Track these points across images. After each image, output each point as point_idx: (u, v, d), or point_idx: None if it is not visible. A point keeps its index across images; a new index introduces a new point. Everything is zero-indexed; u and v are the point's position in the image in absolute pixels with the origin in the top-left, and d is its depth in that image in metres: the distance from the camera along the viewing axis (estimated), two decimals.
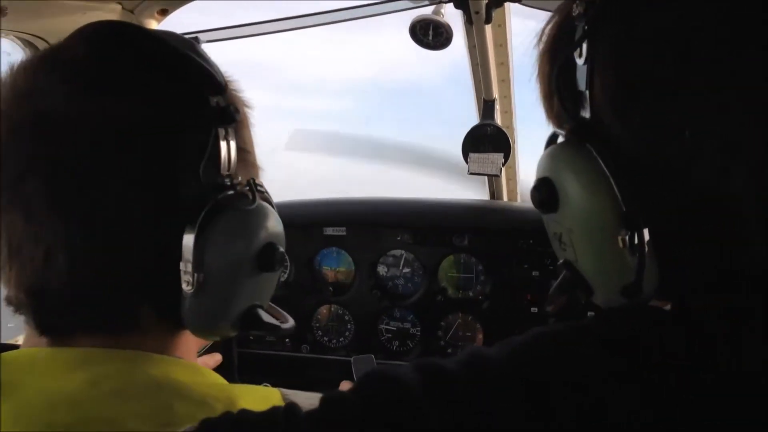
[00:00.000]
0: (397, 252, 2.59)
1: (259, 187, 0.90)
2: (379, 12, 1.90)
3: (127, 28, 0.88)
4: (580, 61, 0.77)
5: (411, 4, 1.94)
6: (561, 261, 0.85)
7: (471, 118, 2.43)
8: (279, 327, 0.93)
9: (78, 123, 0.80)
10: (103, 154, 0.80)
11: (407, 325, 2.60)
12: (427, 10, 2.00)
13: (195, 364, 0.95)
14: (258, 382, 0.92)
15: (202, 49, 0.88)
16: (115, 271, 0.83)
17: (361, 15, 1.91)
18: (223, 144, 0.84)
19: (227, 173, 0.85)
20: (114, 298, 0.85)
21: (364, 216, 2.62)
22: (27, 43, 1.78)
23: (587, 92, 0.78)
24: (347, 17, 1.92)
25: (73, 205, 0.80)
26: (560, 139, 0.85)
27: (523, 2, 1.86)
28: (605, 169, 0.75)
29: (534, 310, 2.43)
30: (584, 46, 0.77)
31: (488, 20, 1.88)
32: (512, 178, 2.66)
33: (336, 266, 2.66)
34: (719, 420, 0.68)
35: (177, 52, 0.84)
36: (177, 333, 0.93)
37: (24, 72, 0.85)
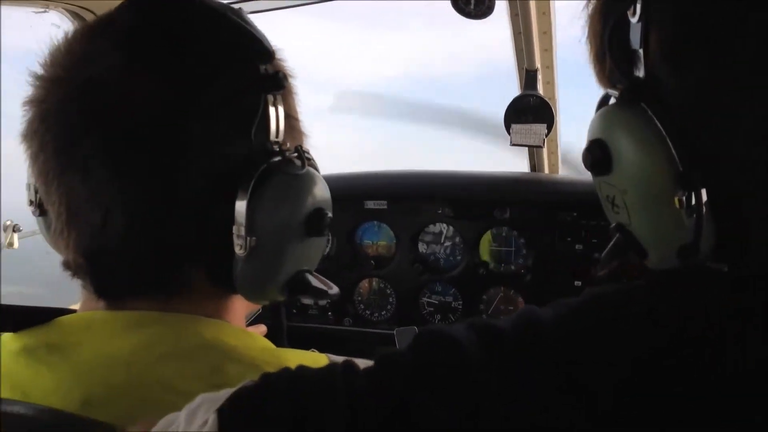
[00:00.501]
0: (438, 225, 2.59)
1: (306, 154, 0.90)
2: None
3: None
4: (633, 19, 0.76)
5: None
6: (613, 224, 0.84)
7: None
8: (326, 292, 0.95)
9: (132, 86, 0.82)
10: (157, 117, 0.82)
11: (449, 299, 2.60)
12: None
13: (245, 329, 0.97)
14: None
15: (249, 19, 0.89)
16: (169, 233, 0.85)
17: None
18: (272, 110, 0.86)
19: (276, 139, 0.87)
20: (167, 260, 0.87)
21: (405, 189, 2.62)
22: (75, 15, 1.81)
23: (641, 51, 0.76)
24: None
25: (129, 167, 0.82)
26: (612, 101, 0.83)
27: None
28: (661, 128, 0.73)
29: (577, 283, 2.40)
30: (638, 3, 0.75)
31: None
32: (554, 151, 2.63)
33: (377, 240, 2.67)
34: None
35: (228, 21, 0.85)
36: (227, 297, 0.95)
37: (79, 39, 0.87)
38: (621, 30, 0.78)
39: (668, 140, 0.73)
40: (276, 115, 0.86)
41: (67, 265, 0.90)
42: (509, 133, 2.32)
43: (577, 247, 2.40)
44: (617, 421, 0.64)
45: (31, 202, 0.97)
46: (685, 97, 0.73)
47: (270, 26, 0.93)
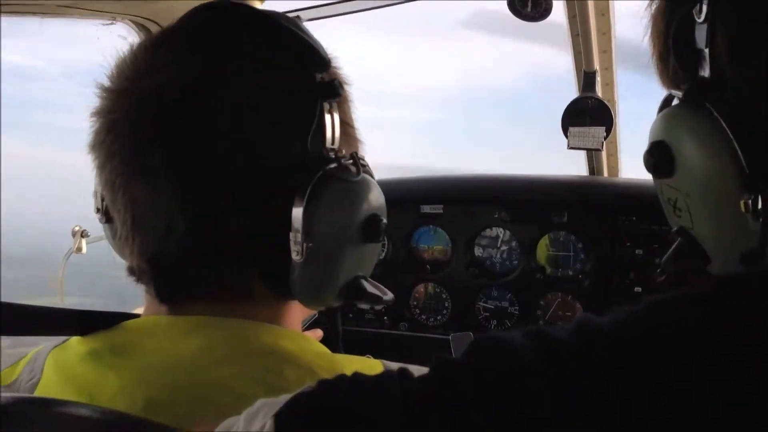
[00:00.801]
0: (494, 229, 2.57)
1: (361, 161, 0.91)
2: None
3: (238, 7, 0.92)
4: (699, 18, 0.74)
5: None
6: (675, 228, 0.82)
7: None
8: (381, 298, 0.94)
9: (195, 95, 0.84)
10: (220, 125, 0.84)
11: (505, 304, 2.58)
12: None
13: (302, 333, 0.98)
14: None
15: (306, 28, 0.92)
16: (228, 239, 0.86)
17: None
18: (327, 117, 0.87)
19: (332, 146, 0.88)
20: (226, 266, 0.89)
21: (461, 193, 2.61)
22: (140, 27, 1.86)
23: (707, 50, 0.74)
24: None
25: (191, 175, 0.84)
26: (675, 101, 0.81)
27: None
28: (727, 129, 0.72)
29: (637, 289, 2.35)
30: (704, 2, 0.73)
31: None
32: (613, 154, 2.58)
33: (432, 244, 2.66)
34: None
35: (285, 30, 0.88)
36: (284, 303, 0.96)
37: (144, 50, 0.89)
38: (686, 29, 0.77)
39: (734, 142, 0.71)
40: (332, 122, 0.88)
41: (131, 271, 0.93)
42: (566, 136, 2.29)
43: (637, 252, 2.35)
44: (649, 428, 0.61)
45: (98, 210, 0.99)
46: (752, 99, 0.71)
47: (326, 36, 0.95)
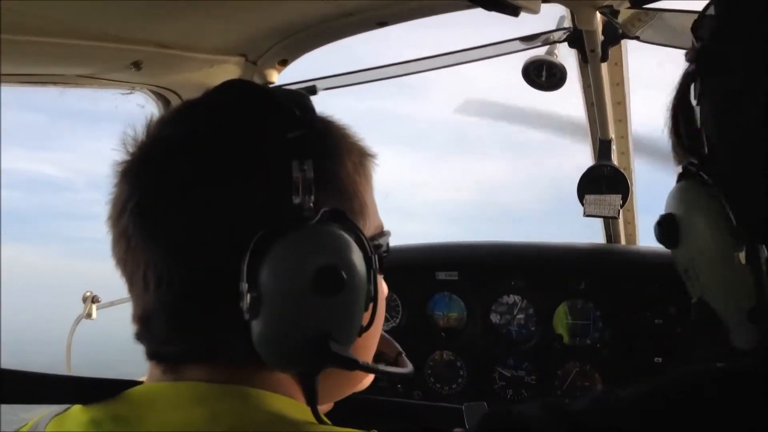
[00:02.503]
0: (511, 297, 2.54)
1: (338, 215, 0.87)
2: (492, 54, 1.91)
3: (246, 88, 0.94)
4: (694, 102, 0.81)
5: (523, 46, 1.93)
6: (694, 300, 0.85)
7: None
8: (356, 361, 0.88)
9: (166, 161, 0.88)
10: (195, 191, 0.86)
11: (522, 373, 2.52)
12: (540, 51, 1.99)
13: (300, 404, 0.93)
14: (369, 428, 0.89)
15: (304, 96, 0.93)
16: (199, 299, 0.86)
17: (475, 57, 1.92)
18: (297, 172, 0.84)
19: (297, 202, 0.84)
20: (206, 327, 0.87)
21: (477, 260, 2.59)
22: (159, 96, 1.90)
23: (702, 130, 0.81)
24: (462, 60, 1.93)
25: (160, 232, 0.86)
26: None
27: (640, 39, 1.81)
28: (721, 198, 0.78)
29: (658, 359, 2.30)
30: (696, 86, 0.81)
31: (604, 58, 1.84)
32: (630, 221, 2.56)
33: (448, 311, 2.63)
34: None
35: (274, 100, 0.91)
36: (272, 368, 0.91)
37: (164, 121, 0.94)
38: (686, 113, 0.84)
39: (727, 207, 0.76)
40: (303, 177, 0.84)
41: (136, 336, 0.92)
42: (582, 204, 2.27)
43: (657, 321, 2.31)
44: None
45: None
46: (739, 169, 0.79)
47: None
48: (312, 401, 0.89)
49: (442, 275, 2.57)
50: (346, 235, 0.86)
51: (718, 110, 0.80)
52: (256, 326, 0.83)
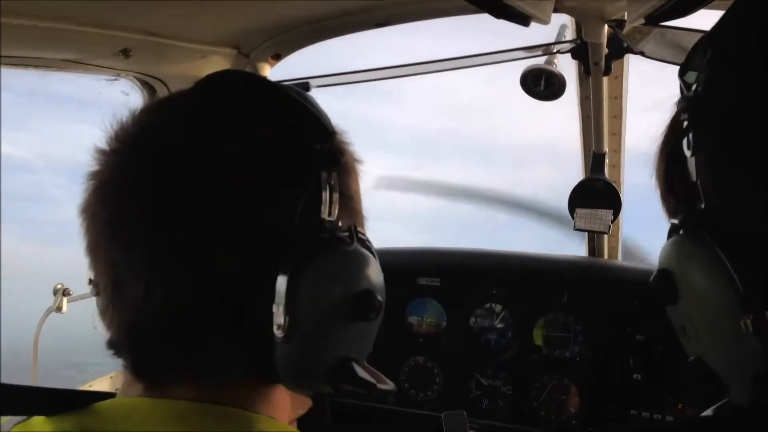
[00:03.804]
0: (492, 306, 2.50)
1: (360, 235, 0.86)
2: (491, 61, 1.86)
3: (243, 76, 0.92)
4: (688, 153, 0.78)
5: (523, 54, 1.89)
6: (691, 358, 0.82)
7: None
8: (374, 385, 0.86)
9: (182, 163, 0.81)
10: (201, 191, 0.80)
11: (498, 383, 2.49)
12: (540, 60, 1.95)
13: (288, 426, 0.91)
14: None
15: (312, 98, 0.89)
16: (208, 311, 0.80)
17: (473, 64, 1.87)
18: (324, 187, 0.82)
19: (326, 218, 0.82)
20: (205, 339, 0.82)
21: (459, 267, 2.55)
22: (144, 84, 1.82)
23: (698, 183, 0.77)
24: (460, 65, 1.88)
25: (172, 241, 0.79)
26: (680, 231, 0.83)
27: (645, 54, 1.78)
28: (721, 254, 0.74)
29: (637, 376, 2.28)
30: (690, 138, 0.77)
31: (607, 72, 1.81)
32: (614, 235, 2.55)
33: (426, 316, 2.58)
34: None
35: (287, 99, 0.86)
36: (271, 387, 0.88)
37: (142, 114, 0.87)
38: (680, 164, 0.80)
39: (729, 266, 0.72)
40: (329, 193, 0.82)
41: (110, 344, 0.86)
42: (573, 218, 2.24)
43: (638, 337, 2.29)
44: None
45: (90, 281, 0.92)
46: (739, 223, 0.74)
47: None
48: (323, 421, 0.87)
49: (423, 280, 2.53)
50: (375, 258, 0.86)
51: (716, 162, 0.76)
52: (281, 347, 0.79)
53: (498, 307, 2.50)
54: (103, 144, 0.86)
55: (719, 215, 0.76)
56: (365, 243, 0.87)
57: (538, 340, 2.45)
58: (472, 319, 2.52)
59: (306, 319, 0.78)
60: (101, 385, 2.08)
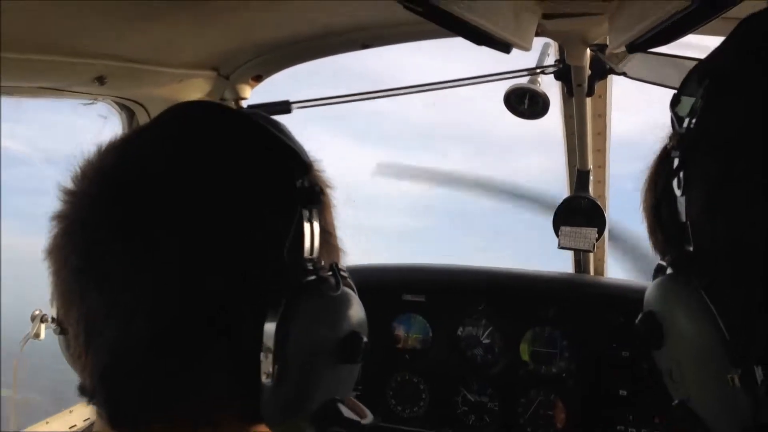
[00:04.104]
0: (478, 322, 2.49)
1: (341, 272, 0.84)
2: (475, 83, 1.84)
3: (219, 111, 0.89)
4: (678, 193, 0.74)
5: (507, 77, 1.87)
6: (675, 402, 0.80)
7: None
8: (359, 423, 0.86)
9: (158, 200, 0.78)
10: (182, 232, 0.77)
11: (485, 399, 2.48)
12: (523, 80, 1.93)
13: None
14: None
15: (288, 130, 0.87)
16: (190, 357, 0.78)
17: (457, 85, 1.85)
18: (306, 226, 0.80)
19: (310, 257, 0.81)
20: (188, 386, 0.80)
21: (445, 283, 2.54)
22: (123, 107, 1.78)
23: (688, 224, 0.73)
24: (445, 87, 1.86)
25: (151, 285, 0.76)
26: (668, 272, 0.81)
27: (627, 75, 1.77)
28: (709, 303, 0.71)
29: (623, 392, 2.28)
30: (680, 177, 0.74)
31: (590, 93, 1.80)
32: (600, 250, 2.53)
33: (412, 332, 2.57)
34: None
35: (264, 133, 0.84)
36: (250, 426, 0.86)
37: (111, 150, 0.84)
38: (669, 203, 0.77)
39: (717, 316, 0.70)
40: (311, 231, 0.81)
41: (82, 390, 0.83)
42: (557, 236, 2.23)
43: (624, 353, 2.29)
44: None
45: (53, 319, 0.89)
46: (730, 270, 0.71)
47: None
48: None
49: (408, 296, 2.51)
50: (357, 297, 0.85)
51: (709, 204, 0.72)
52: (269, 391, 0.78)
53: (484, 323, 2.48)
54: (68, 183, 0.83)
55: (711, 259, 0.72)
56: (347, 281, 0.86)
57: (525, 355, 2.44)
58: (458, 335, 2.51)
59: (294, 365, 0.77)
60: (60, 420, 2.06)
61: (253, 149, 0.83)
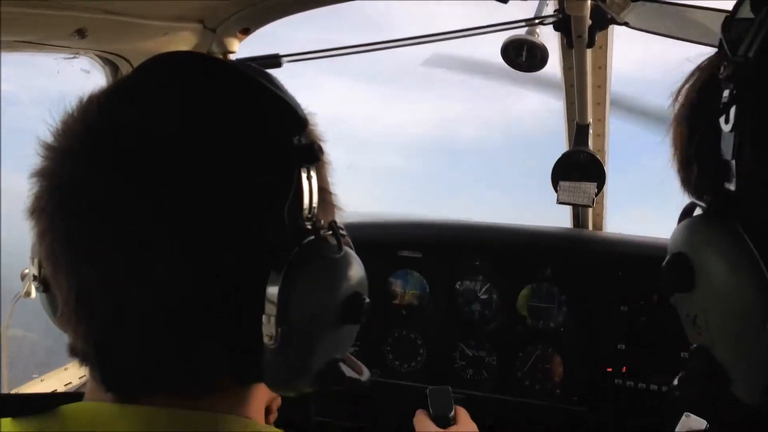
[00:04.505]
0: (475, 277, 2.47)
1: (341, 231, 0.82)
2: (472, 35, 1.78)
3: (207, 60, 0.84)
4: (726, 128, 0.68)
5: (504, 28, 1.81)
6: (693, 346, 0.77)
7: None
8: (359, 381, 0.85)
9: (154, 163, 0.73)
10: (181, 196, 0.73)
11: (483, 354, 2.48)
12: (521, 31, 1.87)
13: (269, 427, 0.88)
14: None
15: (282, 84, 0.83)
16: (191, 324, 0.75)
17: (453, 37, 1.79)
18: (305, 184, 0.77)
19: (310, 216, 0.78)
20: (187, 353, 0.77)
21: (441, 239, 2.51)
22: (106, 61, 1.72)
23: (734, 162, 0.69)
24: (440, 40, 1.80)
25: (149, 254, 0.73)
26: (698, 211, 0.77)
27: (629, 25, 1.70)
28: (753, 248, 0.66)
29: (621, 347, 2.27)
30: (732, 111, 0.68)
31: (591, 44, 1.73)
32: (599, 204, 2.50)
33: (408, 288, 2.56)
34: None
35: (259, 87, 0.79)
36: (248, 388, 0.85)
37: (97, 105, 0.78)
38: (711, 138, 0.72)
39: (761, 262, 0.66)
40: (309, 190, 0.78)
41: (73, 352, 0.81)
42: (556, 191, 2.19)
43: (622, 308, 2.27)
44: None
45: (34, 278, 0.86)
46: None
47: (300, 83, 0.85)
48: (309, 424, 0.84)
49: (405, 252, 2.49)
50: (356, 255, 0.82)
51: (764, 141, 0.67)
52: (272, 355, 0.76)
53: (481, 279, 2.47)
54: (49, 137, 0.77)
55: (756, 202, 0.69)
56: (347, 241, 0.83)
57: (523, 310, 2.43)
58: (456, 291, 2.50)
59: (297, 327, 0.75)
60: (54, 378, 2.06)
61: (246, 103, 0.79)
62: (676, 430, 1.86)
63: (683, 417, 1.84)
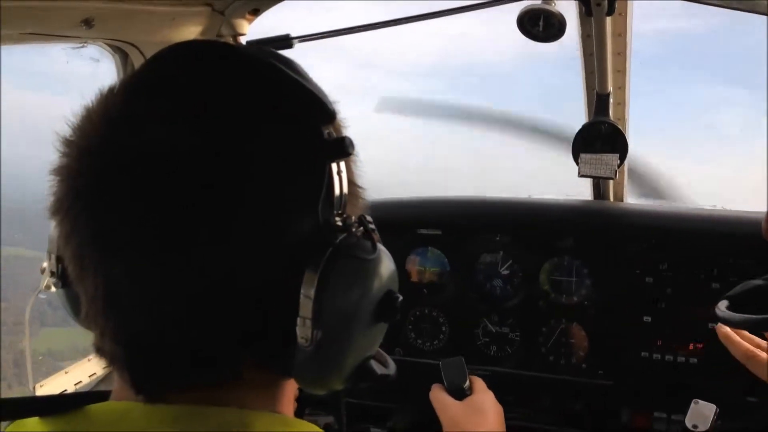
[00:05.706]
0: (496, 253, 2.44)
1: (371, 226, 0.80)
2: (487, 6, 1.73)
3: (229, 49, 0.82)
4: None
5: None
6: None
7: None
8: (388, 376, 0.85)
9: (182, 162, 0.71)
10: (211, 197, 0.71)
11: (506, 330, 2.46)
12: (536, 0, 1.81)
13: (299, 420, 0.86)
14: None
15: (307, 73, 0.81)
16: (223, 325, 0.74)
17: (466, 10, 1.74)
18: (336, 180, 0.76)
19: (341, 213, 0.77)
20: (219, 354, 0.77)
21: (461, 216, 2.48)
22: (116, 49, 1.69)
23: None
24: (456, 13, 1.75)
25: (183, 256, 0.71)
26: None
27: None
28: None
29: (647, 319, 2.24)
30: None
31: (611, 12, 1.68)
32: (621, 174, 2.45)
33: (428, 266, 2.53)
34: None
35: (286, 78, 0.77)
36: (279, 384, 0.85)
37: (120, 98, 0.76)
38: None
39: None
40: (340, 185, 0.76)
41: (100, 351, 0.79)
42: (577, 163, 2.14)
43: (647, 279, 2.24)
44: None
45: (52, 273, 0.86)
46: None
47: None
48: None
49: (424, 230, 2.46)
50: (386, 252, 0.81)
51: None
52: (305, 355, 0.75)
53: (502, 255, 2.44)
54: (69, 133, 0.76)
55: None
56: (377, 236, 0.82)
57: (545, 285, 2.40)
58: (477, 267, 2.47)
59: (333, 330, 0.75)
60: (78, 369, 2.06)
61: (275, 94, 0.77)
62: (687, 416, 1.84)
63: (692, 404, 1.83)
